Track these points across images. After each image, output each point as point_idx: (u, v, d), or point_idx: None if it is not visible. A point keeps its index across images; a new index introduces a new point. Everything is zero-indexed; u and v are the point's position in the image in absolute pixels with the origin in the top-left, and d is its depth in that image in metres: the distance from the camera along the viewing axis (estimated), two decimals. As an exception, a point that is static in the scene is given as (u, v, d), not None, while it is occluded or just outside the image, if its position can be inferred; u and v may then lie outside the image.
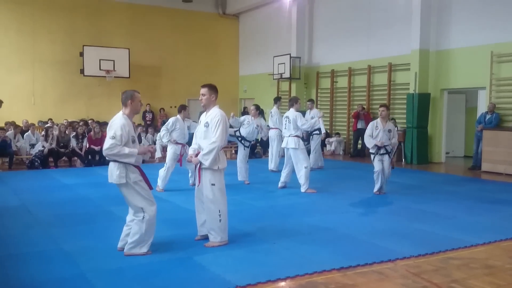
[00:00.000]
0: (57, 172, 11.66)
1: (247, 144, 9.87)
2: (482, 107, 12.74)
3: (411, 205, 7.63)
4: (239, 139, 9.81)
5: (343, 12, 16.44)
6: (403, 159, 13.79)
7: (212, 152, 5.10)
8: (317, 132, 11.81)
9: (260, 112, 10.33)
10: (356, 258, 4.83)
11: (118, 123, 4.81)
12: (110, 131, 4.79)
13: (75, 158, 12.93)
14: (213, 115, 5.25)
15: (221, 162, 5.26)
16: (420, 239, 5.59)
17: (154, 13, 19.78)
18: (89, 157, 12.86)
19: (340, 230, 6.03)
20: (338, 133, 16.47)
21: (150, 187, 4.99)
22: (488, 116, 11.85)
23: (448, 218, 6.76)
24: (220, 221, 5.24)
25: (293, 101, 9.07)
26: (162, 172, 8.90)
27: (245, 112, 20.96)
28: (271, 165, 11.59)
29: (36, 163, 12.16)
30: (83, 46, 17.31)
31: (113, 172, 4.81)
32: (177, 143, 8.88)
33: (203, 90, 5.35)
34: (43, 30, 17.78)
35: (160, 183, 8.84)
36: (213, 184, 5.22)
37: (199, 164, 5.23)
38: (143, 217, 4.88)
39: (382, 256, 4.92)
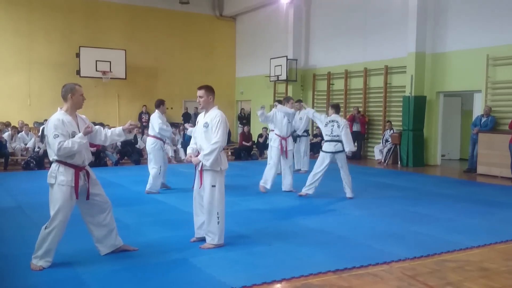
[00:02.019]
0: (52, 173, 11.60)
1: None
2: (477, 110, 12.81)
3: (406, 208, 7.65)
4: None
5: (340, 15, 16.48)
6: (399, 162, 13.81)
7: (213, 152, 5.04)
8: (304, 134, 11.80)
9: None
10: (352, 260, 4.83)
11: (52, 122, 4.57)
12: (49, 133, 4.51)
13: (71, 159, 12.88)
14: (213, 116, 5.19)
15: (223, 163, 5.22)
16: (416, 242, 5.61)
17: (151, 15, 19.76)
18: (85, 158, 12.82)
19: (335, 232, 6.03)
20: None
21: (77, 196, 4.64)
22: (483, 119, 11.89)
23: (443, 220, 6.78)
24: (218, 223, 5.22)
25: (284, 101, 9.35)
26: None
27: (241, 113, 21.00)
28: None
29: (31, 164, 12.12)
30: (80, 47, 17.27)
31: (49, 173, 4.58)
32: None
33: (200, 92, 5.29)
34: (39, 31, 17.73)
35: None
36: (213, 186, 5.17)
37: (200, 165, 5.19)
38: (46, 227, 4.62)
39: (378, 258, 4.92)
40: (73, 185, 4.53)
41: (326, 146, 8.38)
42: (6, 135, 12.72)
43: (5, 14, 17.26)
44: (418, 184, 10.33)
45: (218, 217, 5.20)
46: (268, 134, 13.54)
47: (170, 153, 14.49)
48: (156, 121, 8.79)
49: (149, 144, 8.82)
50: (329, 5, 17.01)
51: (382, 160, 14.23)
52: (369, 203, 8.08)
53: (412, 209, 7.53)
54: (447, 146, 14.78)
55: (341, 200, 8.27)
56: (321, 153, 8.46)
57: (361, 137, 15.37)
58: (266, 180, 8.84)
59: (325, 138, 8.45)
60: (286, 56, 17.65)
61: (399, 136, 13.74)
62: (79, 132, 4.64)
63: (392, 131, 14.20)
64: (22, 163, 12.43)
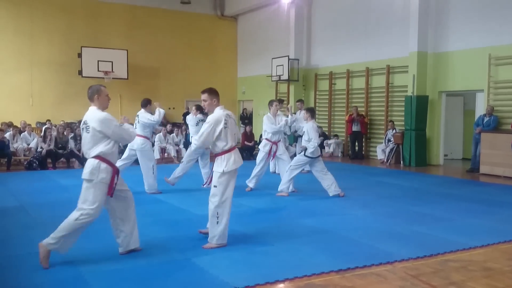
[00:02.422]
0: (55, 173, 11.65)
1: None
2: (480, 109, 12.78)
3: (409, 208, 7.64)
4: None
5: (342, 14, 16.47)
6: (401, 162, 13.80)
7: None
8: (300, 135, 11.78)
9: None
10: (355, 260, 4.83)
11: (103, 116, 4.78)
12: (100, 123, 4.69)
13: (73, 159, 12.92)
14: (207, 121, 5.27)
15: (226, 165, 5.17)
16: (419, 242, 5.60)
17: (152, 15, 19.78)
18: (87, 158, 12.84)
19: (338, 232, 6.03)
20: (336, 135, 16.48)
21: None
22: (486, 119, 11.87)
23: (446, 220, 6.77)
24: (217, 223, 5.20)
25: (268, 104, 9.32)
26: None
27: (243, 113, 21.02)
28: (272, 167, 11.58)
29: (34, 164, 12.14)
30: (81, 47, 17.28)
31: (88, 168, 4.70)
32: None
33: (204, 96, 5.30)
34: (41, 31, 17.76)
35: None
36: (215, 186, 5.19)
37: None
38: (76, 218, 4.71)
39: (381, 258, 4.92)
40: (109, 183, 4.70)
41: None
42: (7, 135, 12.74)
43: (7, 14, 17.29)
44: (421, 184, 10.32)
45: (217, 217, 5.18)
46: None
47: (173, 153, 14.51)
48: (145, 116, 8.74)
49: (139, 144, 8.66)
50: (330, 4, 17.00)
51: (385, 160, 14.22)
52: (372, 202, 8.08)
53: (415, 209, 7.52)
54: (450, 145, 14.75)
55: (344, 200, 8.26)
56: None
57: (361, 137, 15.37)
58: (251, 179, 9.15)
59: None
60: (288, 56, 17.64)
61: (402, 135, 13.73)
62: None
63: (394, 131, 14.19)
64: (25, 163, 12.45)
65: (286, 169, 8.68)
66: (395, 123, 14.43)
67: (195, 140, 5.44)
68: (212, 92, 5.32)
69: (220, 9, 21.33)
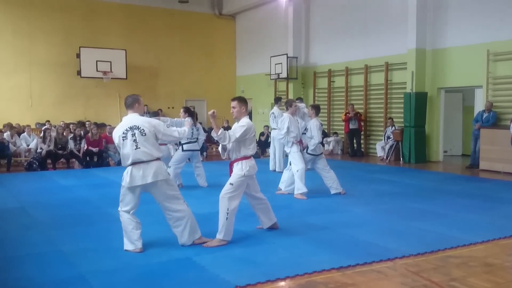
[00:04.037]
0: (55, 173, 11.65)
1: None
2: (479, 105, 12.78)
3: (409, 204, 7.64)
4: None
5: (340, 12, 16.46)
6: (401, 158, 13.81)
7: (220, 134, 5.34)
8: (304, 132, 11.74)
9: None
10: (355, 257, 4.83)
11: (150, 119, 5.30)
12: (154, 123, 5.16)
13: (73, 159, 12.92)
14: (240, 123, 5.54)
15: (249, 169, 5.47)
16: (419, 238, 5.60)
17: (150, 14, 19.76)
18: (87, 158, 12.85)
19: (339, 229, 6.03)
20: (336, 133, 16.48)
21: None
22: (485, 115, 11.87)
23: (446, 216, 6.77)
24: (227, 219, 5.32)
25: (287, 104, 9.07)
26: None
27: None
28: (272, 165, 11.58)
29: (34, 165, 12.14)
30: (80, 47, 17.26)
31: (161, 168, 5.10)
32: None
33: (234, 103, 5.62)
34: (39, 32, 17.73)
35: None
36: (231, 184, 5.42)
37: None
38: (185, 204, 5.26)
39: (381, 255, 4.92)
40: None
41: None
42: (6, 135, 12.72)
43: (5, 15, 17.26)
44: (421, 180, 10.32)
45: (227, 213, 5.32)
46: (270, 133, 13.55)
47: (172, 153, 14.47)
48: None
49: None
50: (328, 2, 16.99)
51: (384, 157, 14.23)
52: (372, 199, 8.08)
53: (415, 206, 7.52)
54: (449, 142, 14.76)
55: (344, 197, 8.27)
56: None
57: (359, 134, 15.38)
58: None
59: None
60: (287, 54, 17.64)
61: (401, 132, 13.73)
62: None
63: (393, 128, 14.19)
64: (25, 164, 12.45)
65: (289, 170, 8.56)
66: (394, 120, 14.43)
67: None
68: (242, 100, 5.65)
69: (218, 8, 21.30)
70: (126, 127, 5.06)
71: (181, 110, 9.34)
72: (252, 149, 5.56)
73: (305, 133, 11.57)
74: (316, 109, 8.68)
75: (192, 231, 5.27)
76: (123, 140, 5.05)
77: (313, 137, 8.35)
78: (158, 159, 5.11)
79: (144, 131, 5.02)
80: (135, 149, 5.00)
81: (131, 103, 5.20)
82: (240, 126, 5.45)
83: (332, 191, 8.44)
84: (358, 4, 15.67)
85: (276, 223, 5.99)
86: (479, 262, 4.81)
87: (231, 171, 5.53)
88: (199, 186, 9.37)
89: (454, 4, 12.93)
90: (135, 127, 5.04)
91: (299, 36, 18.02)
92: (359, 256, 4.88)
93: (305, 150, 8.49)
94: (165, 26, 20.05)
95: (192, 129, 8.99)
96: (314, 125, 8.39)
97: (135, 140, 5.00)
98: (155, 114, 9.38)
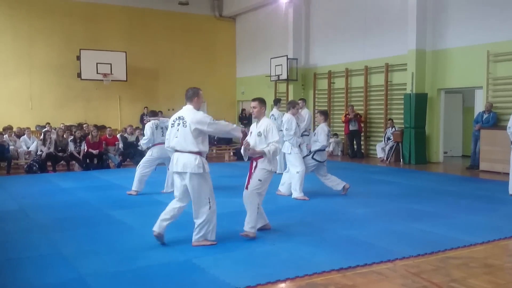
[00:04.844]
0: (55, 176, 11.65)
1: None
2: (479, 106, 12.78)
3: (409, 205, 7.64)
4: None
5: (339, 13, 16.47)
6: (401, 160, 13.80)
7: (277, 150, 5.66)
8: (306, 133, 11.72)
9: None
10: (356, 258, 4.83)
11: (201, 114, 5.33)
12: (198, 117, 5.23)
13: (73, 162, 12.92)
14: (265, 125, 5.77)
15: (275, 166, 5.82)
16: (419, 239, 5.60)
17: (151, 16, 19.77)
18: (87, 160, 12.86)
19: (339, 231, 6.03)
20: (336, 134, 16.48)
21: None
22: (485, 116, 11.87)
23: (446, 217, 6.77)
24: (258, 213, 5.69)
25: (290, 105, 9.04)
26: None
27: (242, 113, 21.00)
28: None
29: (34, 168, 12.14)
30: (80, 49, 17.28)
31: (191, 161, 5.16)
32: None
33: (254, 104, 5.91)
34: (39, 35, 17.75)
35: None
36: (259, 180, 5.69)
37: (255, 163, 5.72)
38: (210, 207, 5.28)
39: (381, 256, 4.92)
40: None
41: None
42: (5, 137, 12.73)
43: (5, 18, 17.29)
44: (421, 181, 10.32)
45: (258, 207, 5.71)
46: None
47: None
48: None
49: None
50: (328, 3, 17.00)
51: (384, 158, 14.23)
52: (372, 201, 8.08)
53: (415, 207, 7.52)
54: (449, 143, 14.76)
55: (344, 198, 8.26)
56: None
57: (359, 136, 15.38)
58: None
59: None
60: (287, 56, 17.64)
61: (401, 133, 13.73)
62: None
63: (393, 129, 14.19)
64: (25, 166, 12.45)
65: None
66: (394, 121, 14.43)
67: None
68: (262, 101, 5.95)
69: (218, 9, 21.32)
70: (176, 117, 5.37)
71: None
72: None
73: (306, 135, 11.62)
74: (325, 114, 8.76)
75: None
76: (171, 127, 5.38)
77: (318, 141, 8.42)
78: (197, 152, 5.22)
79: (186, 123, 5.23)
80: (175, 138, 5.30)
81: (191, 96, 5.44)
82: (271, 129, 5.72)
83: (339, 187, 8.50)
84: (358, 5, 15.68)
85: (268, 224, 6.10)
86: (479, 263, 4.81)
87: (252, 167, 5.75)
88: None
89: (454, 5, 12.94)
90: (181, 118, 5.30)
91: (299, 37, 18.03)
92: (359, 257, 4.88)
93: (310, 155, 8.50)
94: (165, 28, 20.06)
95: None
96: (322, 130, 8.48)
97: (178, 130, 5.27)
98: (154, 113, 9.36)
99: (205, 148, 5.32)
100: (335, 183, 8.54)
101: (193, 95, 5.44)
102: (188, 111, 5.33)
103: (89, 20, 18.59)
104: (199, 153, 5.23)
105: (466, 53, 12.62)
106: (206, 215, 5.28)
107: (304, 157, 8.52)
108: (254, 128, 5.93)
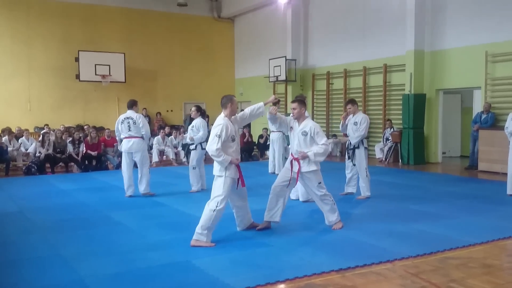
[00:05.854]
0: (54, 177, 11.64)
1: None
2: (477, 106, 12.81)
3: (408, 206, 7.64)
4: None
5: (338, 14, 16.49)
6: (400, 160, 13.82)
7: (326, 152, 5.87)
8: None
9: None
10: (355, 259, 4.83)
11: (222, 124, 5.45)
12: (214, 130, 5.44)
13: (72, 163, 12.91)
14: (311, 125, 5.93)
15: (317, 163, 5.96)
16: (418, 240, 5.60)
17: (149, 17, 19.78)
18: (86, 162, 12.84)
19: (337, 231, 6.03)
20: (334, 135, 16.49)
21: (243, 185, 5.66)
22: (483, 116, 11.89)
23: (445, 218, 6.77)
24: (333, 206, 6.03)
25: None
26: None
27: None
28: (271, 168, 11.58)
29: (32, 169, 12.12)
30: (78, 51, 17.27)
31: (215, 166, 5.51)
32: None
33: (294, 105, 6.02)
34: (38, 36, 17.74)
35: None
36: (319, 183, 5.94)
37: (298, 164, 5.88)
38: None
39: (381, 257, 4.92)
40: (237, 177, 5.55)
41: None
42: (4, 140, 12.71)
43: (3, 20, 17.27)
44: (420, 182, 10.33)
45: (332, 202, 6.04)
46: (268, 135, 13.56)
47: (171, 156, 14.50)
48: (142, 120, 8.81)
49: (140, 145, 8.76)
50: (327, 4, 17.02)
51: (383, 159, 14.24)
52: (371, 201, 8.08)
53: (413, 207, 7.52)
54: (448, 143, 14.77)
55: (343, 199, 8.27)
56: None
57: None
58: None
59: None
60: (285, 57, 17.65)
61: (400, 134, 13.75)
62: (235, 135, 5.62)
63: (392, 130, 14.21)
64: (24, 168, 12.44)
65: None
66: (393, 121, 14.44)
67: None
68: (302, 103, 6.06)
69: (217, 11, 21.33)
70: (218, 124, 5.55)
71: (193, 109, 9.36)
72: None
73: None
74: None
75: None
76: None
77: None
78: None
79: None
80: None
81: (225, 103, 5.62)
82: (318, 132, 5.87)
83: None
84: (356, 6, 15.70)
85: (269, 223, 6.17)
86: (478, 263, 4.81)
87: (292, 166, 5.91)
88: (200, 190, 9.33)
89: (452, 6, 12.96)
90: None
91: (297, 38, 18.05)
92: (358, 258, 4.88)
93: None
94: (164, 29, 20.07)
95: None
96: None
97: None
98: (199, 109, 9.24)
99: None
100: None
101: (226, 102, 5.62)
102: (218, 119, 5.56)
103: (88, 22, 18.58)
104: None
105: (464, 53, 12.64)
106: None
107: None
108: (296, 126, 6.01)
